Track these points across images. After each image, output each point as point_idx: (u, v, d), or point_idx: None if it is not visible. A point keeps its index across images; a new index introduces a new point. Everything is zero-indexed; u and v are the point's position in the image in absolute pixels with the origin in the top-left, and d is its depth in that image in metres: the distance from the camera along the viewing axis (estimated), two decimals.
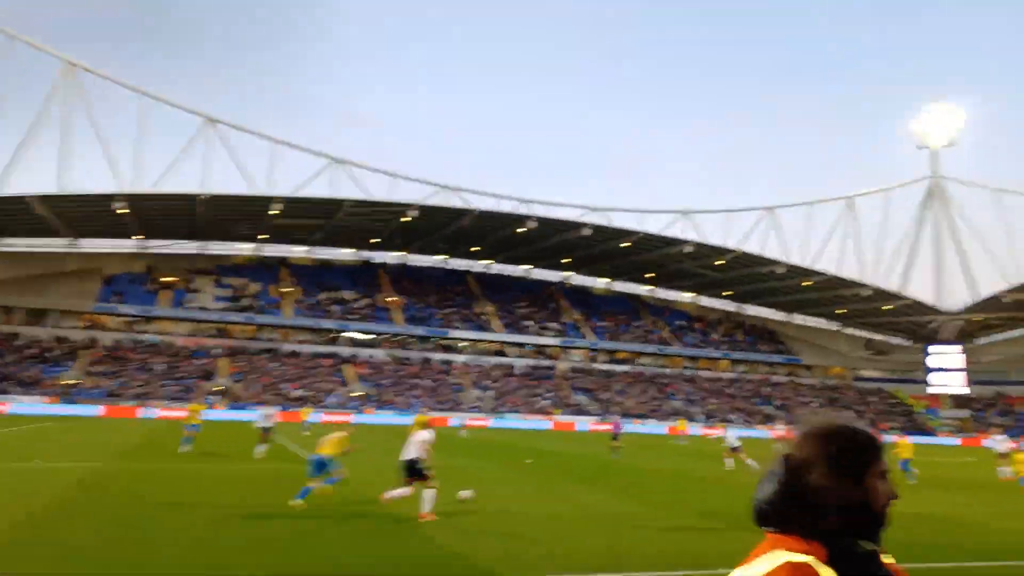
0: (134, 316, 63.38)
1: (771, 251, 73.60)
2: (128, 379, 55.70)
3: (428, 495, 11.54)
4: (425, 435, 12.09)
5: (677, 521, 12.67)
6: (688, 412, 68.34)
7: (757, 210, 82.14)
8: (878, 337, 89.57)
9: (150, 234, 65.76)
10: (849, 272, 76.21)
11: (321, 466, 13.58)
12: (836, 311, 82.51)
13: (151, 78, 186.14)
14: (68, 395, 51.74)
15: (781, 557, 1.44)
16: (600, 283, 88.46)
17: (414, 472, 11.76)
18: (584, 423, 61.01)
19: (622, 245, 67.96)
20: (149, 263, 68.38)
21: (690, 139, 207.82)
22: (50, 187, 53.14)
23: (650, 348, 78.92)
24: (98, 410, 49.83)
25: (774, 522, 1.54)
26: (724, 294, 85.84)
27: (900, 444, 22.39)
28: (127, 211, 53.93)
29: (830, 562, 1.42)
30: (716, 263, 70.18)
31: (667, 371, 77.83)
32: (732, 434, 25.75)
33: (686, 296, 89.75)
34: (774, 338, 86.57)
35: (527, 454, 26.64)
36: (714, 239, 70.99)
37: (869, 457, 1.54)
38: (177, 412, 49.51)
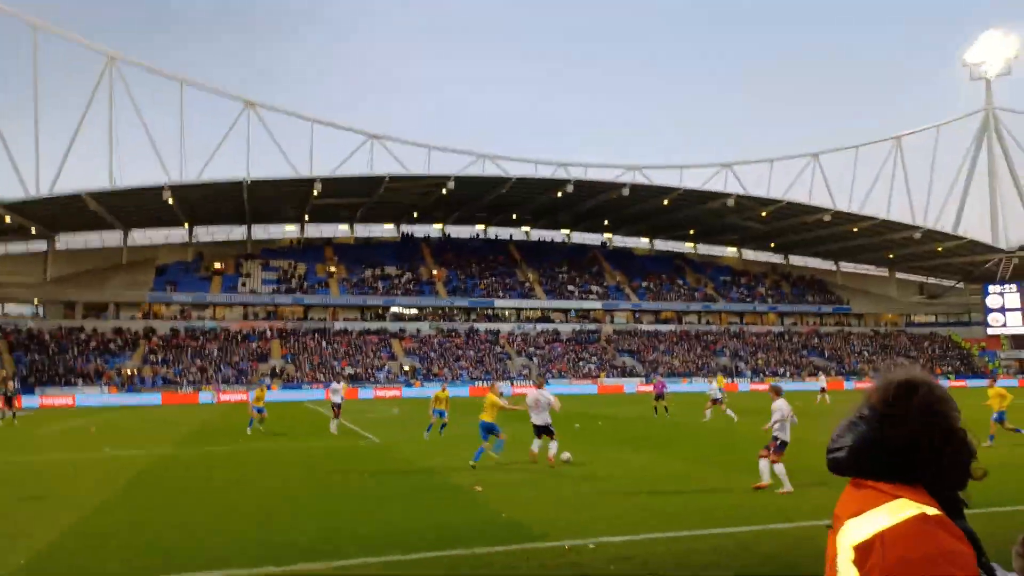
0: (188, 303, 65.25)
1: (817, 199, 72.00)
2: (185, 365, 57.58)
3: (554, 446, 14.14)
4: (547, 397, 14.42)
5: (728, 479, 12.71)
6: (736, 368, 67.81)
7: (801, 157, 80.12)
8: (931, 280, 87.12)
9: (198, 221, 67.34)
10: (899, 215, 74.08)
11: (489, 430, 14.61)
12: (886, 256, 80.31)
13: (189, 65, 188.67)
14: (129, 384, 53.78)
15: (908, 508, 1.42)
16: (641, 243, 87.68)
17: (546, 430, 14.21)
18: (631, 385, 61.04)
19: (662, 203, 67.08)
20: (199, 250, 70.11)
21: (730, 89, 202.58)
22: (101, 181, 54.83)
23: (695, 306, 78.18)
24: (158, 398, 51.70)
25: (868, 472, 1.53)
26: (769, 246, 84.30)
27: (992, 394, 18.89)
28: (175, 201, 55.31)
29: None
30: (760, 214, 68.85)
31: (713, 328, 77.12)
32: (714, 387, 27.51)
33: (730, 251, 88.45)
34: (822, 288, 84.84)
35: (575, 419, 26.86)
36: (757, 190, 69.65)
37: (957, 411, 1.57)
38: (234, 396, 51.18)
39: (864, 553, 1.42)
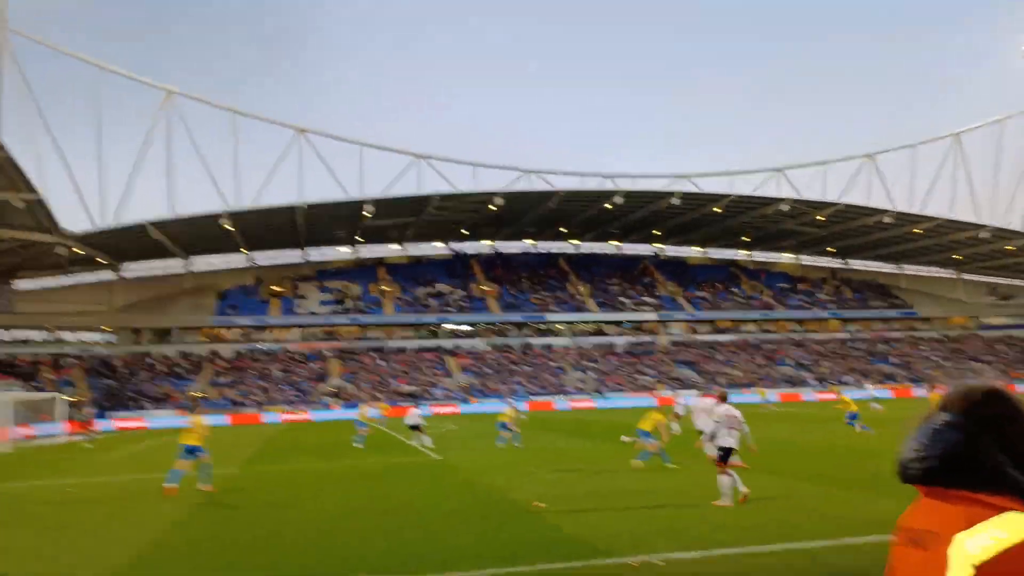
0: (249, 326, 67.07)
1: (875, 200, 69.92)
2: (248, 387, 59.08)
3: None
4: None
5: (797, 489, 12.37)
6: (799, 377, 66.10)
7: (855, 159, 78.04)
8: (1003, 281, 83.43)
9: (255, 246, 69.27)
10: (963, 214, 71.30)
11: (645, 435, 16.66)
12: (952, 257, 77.32)
13: (241, 96, 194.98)
14: (196, 407, 55.38)
15: None
16: (694, 252, 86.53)
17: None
18: (690, 397, 59.95)
19: (714, 210, 66.16)
20: (257, 274, 72.07)
21: (777, 93, 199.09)
22: (161, 210, 56.92)
23: (753, 314, 76.59)
24: (224, 419, 53.10)
25: (960, 482, 1.47)
26: (827, 250, 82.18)
27: None
28: (232, 227, 57.09)
29: None
30: (816, 219, 67.25)
31: (773, 336, 75.41)
32: (682, 401, 26.30)
33: (786, 256, 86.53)
34: (885, 292, 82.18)
35: (627, 431, 26.56)
36: (811, 194, 68.07)
37: None
38: (296, 416, 52.28)
39: (991, 572, 1.33)
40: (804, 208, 65.11)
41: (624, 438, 23.54)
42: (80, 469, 21.64)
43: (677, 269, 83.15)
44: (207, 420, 16.77)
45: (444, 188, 62.32)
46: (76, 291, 64.52)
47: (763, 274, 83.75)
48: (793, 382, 64.58)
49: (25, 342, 60.68)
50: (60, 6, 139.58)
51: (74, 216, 59.83)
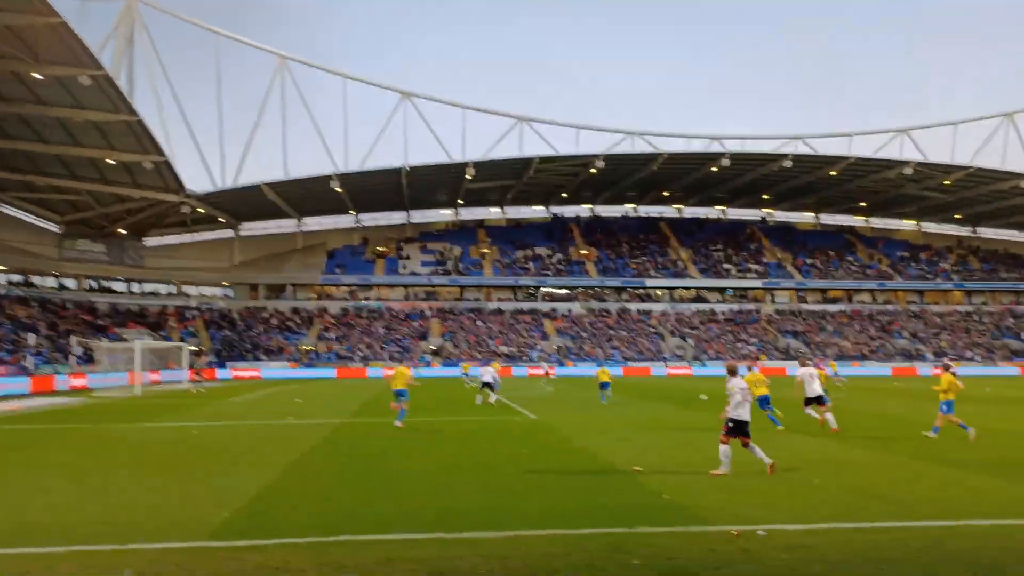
0: (355, 285, 69.74)
1: (1011, 163, 64.25)
2: (354, 342, 61.62)
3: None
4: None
5: (913, 468, 11.71)
6: (916, 350, 62.45)
7: (990, 119, 71.79)
8: None
9: (362, 208, 71.56)
10: None
11: (764, 402, 16.64)
12: None
13: (349, 61, 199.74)
14: (306, 359, 58.40)
15: None
16: (805, 217, 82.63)
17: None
18: (795, 368, 57.90)
19: (829, 173, 62.74)
20: (364, 235, 74.55)
21: (900, 47, 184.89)
22: (276, 173, 59.55)
23: (868, 284, 72.70)
24: (332, 372, 55.78)
25: None
26: (954, 217, 76.54)
27: None
28: (341, 189, 59.10)
29: None
30: (943, 183, 62.66)
31: (889, 307, 71.42)
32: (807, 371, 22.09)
33: (907, 223, 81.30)
34: (1018, 263, 75.86)
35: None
36: (938, 156, 63.33)
37: None
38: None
39: None
40: (930, 172, 60.76)
41: (703, 396, 23.13)
42: (202, 414, 23.28)
43: (786, 235, 79.78)
44: (411, 369, 21.03)
45: (545, 151, 62.01)
46: (199, 248, 68.86)
47: (881, 242, 79.09)
48: (909, 355, 61.12)
49: (154, 294, 65.50)
50: None
51: (197, 177, 63.46)
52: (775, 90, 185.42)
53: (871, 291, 73.26)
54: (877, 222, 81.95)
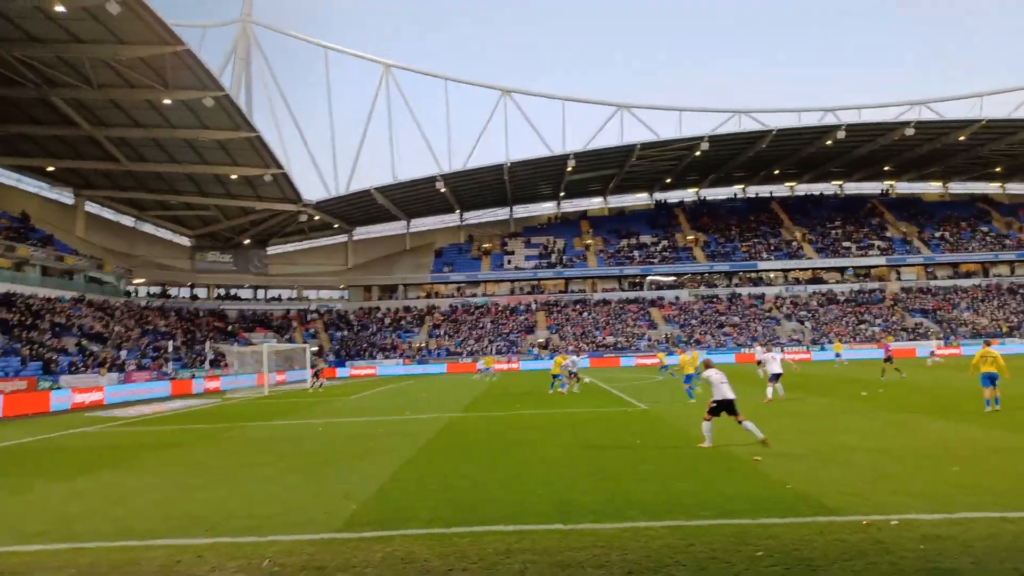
0: (462, 282, 71.17)
1: None
2: (464, 337, 62.88)
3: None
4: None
5: None
6: None
7: None
8: None
9: (467, 206, 72.92)
10: None
11: (688, 378, 20.52)
12: None
13: (448, 63, 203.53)
14: (419, 356, 60.16)
15: None
16: (931, 188, 77.18)
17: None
18: (926, 348, 54.18)
19: (958, 139, 58.27)
20: (469, 233, 75.94)
21: None
22: (385, 177, 61.74)
23: (1007, 255, 67.02)
24: (443, 367, 57.19)
25: None
26: None
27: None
28: (446, 189, 60.46)
29: None
30: None
31: None
32: (769, 355, 21.97)
33: None
34: None
35: (861, 386, 24.59)
36: None
37: None
38: (503, 365, 54.67)
39: None
40: None
41: (863, 393, 21.98)
42: (325, 411, 24.47)
43: (911, 208, 74.77)
44: (694, 355, 23.14)
45: (647, 137, 60.97)
46: (316, 253, 72.35)
47: (1021, 210, 72.66)
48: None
49: (277, 299, 69.39)
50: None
51: (313, 186, 66.63)
52: (893, 56, 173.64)
53: (1010, 263, 67.48)
54: (1016, 188, 75.33)
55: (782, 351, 33.75)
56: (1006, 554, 6.30)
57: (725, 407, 12.25)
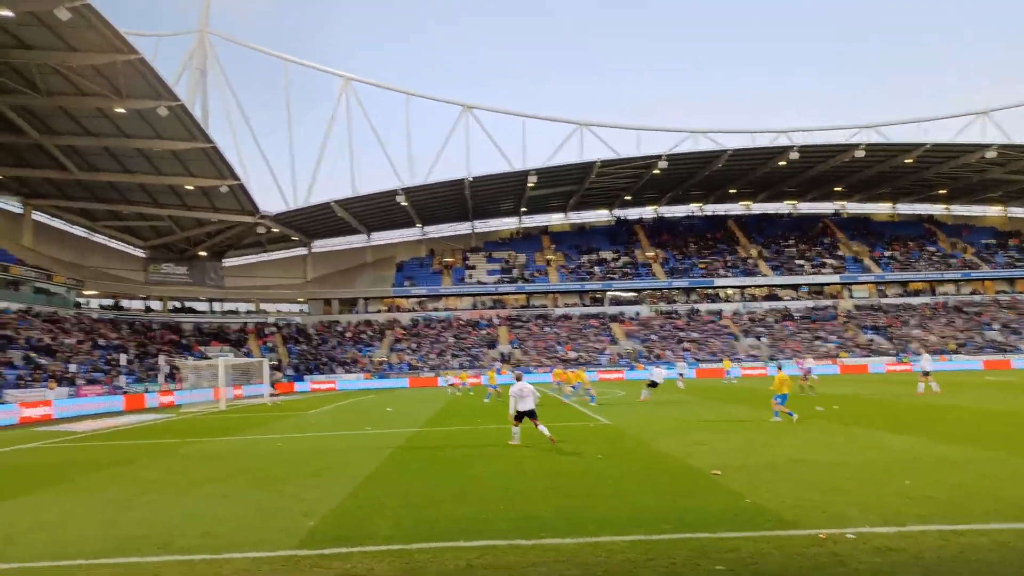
0: (424, 296, 70.82)
1: None
2: (425, 352, 62.49)
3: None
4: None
5: (1010, 465, 11.10)
6: (1008, 343, 59.12)
7: None
8: None
9: (428, 220, 72.70)
10: None
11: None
12: None
13: (409, 77, 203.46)
14: (380, 371, 59.56)
15: None
16: (881, 208, 79.58)
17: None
18: (879, 364, 55.69)
19: (905, 162, 60.29)
20: (431, 247, 75.69)
21: (974, 24, 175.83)
22: (344, 190, 61.21)
23: (952, 274, 69.38)
24: (404, 382, 56.71)
25: None
26: None
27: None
28: (407, 203, 60.19)
29: None
30: None
31: (976, 298, 67.92)
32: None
33: (992, 210, 77.33)
34: None
35: (818, 402, 25.07)
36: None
37: None
38: (471, 380, 54.50)
39: None
40: (1016, 154, 57.71)
41: (818, 408, 22.41)
42: (284, 426, 24.03)
43: (862, 227, 76.97)
44: (579, 372, 30.70)
45: (606, 154, 61.69)
46: (274, 266, 71.26)
47: (965, 230, 75.41)
48: (1001, 348, 57.95)
49: (234, 312, 68.05)
50: (246, 7, 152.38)
51: (270, 198, 65.79)
52: (841, 82, 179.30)
53: (955, 282, 69.86)
54: (959, 209, 78.15)
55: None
56: (953, 565, 6.47)
57: (528, 415, 15.58)
